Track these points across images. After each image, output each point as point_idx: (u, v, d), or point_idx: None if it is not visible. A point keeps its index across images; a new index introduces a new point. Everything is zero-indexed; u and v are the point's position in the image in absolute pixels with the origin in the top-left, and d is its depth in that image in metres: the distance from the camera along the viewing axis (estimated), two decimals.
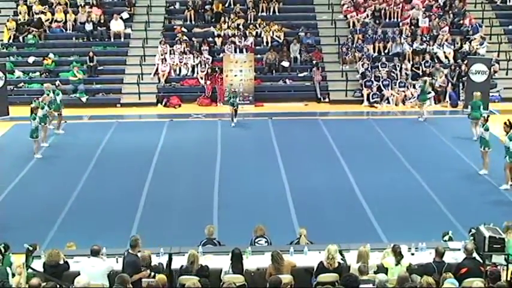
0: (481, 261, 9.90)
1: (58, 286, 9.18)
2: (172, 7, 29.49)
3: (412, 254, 10.54)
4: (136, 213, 14.54)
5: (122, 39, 27.84)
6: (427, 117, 22.49)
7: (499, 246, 9.93)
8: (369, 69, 25.57)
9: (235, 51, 26.52)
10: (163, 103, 25.00)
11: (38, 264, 10.18)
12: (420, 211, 14.54)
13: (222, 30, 27.58)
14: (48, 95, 20.94)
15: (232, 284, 8.85)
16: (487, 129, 16.55)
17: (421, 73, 24.79)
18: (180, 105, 24.91)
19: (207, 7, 28.59)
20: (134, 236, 10.17)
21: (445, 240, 11.25)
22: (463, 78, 24.63)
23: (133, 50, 27.35)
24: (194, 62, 26.26)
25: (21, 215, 14.54)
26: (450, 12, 28.44)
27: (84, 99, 24.85)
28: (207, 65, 26.08)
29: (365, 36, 27.21)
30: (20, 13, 28.09)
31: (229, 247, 10.39)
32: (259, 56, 26.74)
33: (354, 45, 26.83)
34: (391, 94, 24.77)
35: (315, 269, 9.92)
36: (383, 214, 14.31)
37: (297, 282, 9.93)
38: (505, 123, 15.97)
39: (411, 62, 26.09)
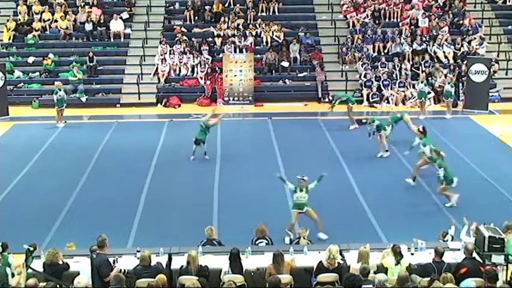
0: (480, 261, 9.91)
1: (58, 286, 9.19)
2: (172, 7, 29.48)
3: (412, 254, 10.56)
4: (136, 213, 14.53)
5: (122, 39, 27.83)
6: (427, 117, 22.52)
7: (498, 246, 9.93)
8: (369, 69, 25.59)
9: (235, 51, 26.51)
10: (163, 103, 24.99)
11: (37, 264, 10.18)
12: (420, 211, 14.54)
13: (222, 30, 27.57)
14: None
15: (232, 283, 8.85)
16: (424, 145, 15.99)
17: (421, 73, 24.76)
18: (179, 105, 24.91)
19: (206, 7, 28.60)
20: (101, 236, 9.99)
21: (446, 240, 11.26)
22: (463, 78, 24.65)
23: (133, 50, 27.34)
24: (194, 62, 26.26)
25: (21, 215, 14.54)
26: (450, 12, 28.45)
27: (83, 99, 24.83)
28: (206, 65, 26.08)
29: (365, 36, 27.21)
30: (20, 13, 28.08)
31: (229, 247, 10.37)
32: (258, 56, 26.73)
33: (354, 45, 26.83)
34: (391, 94, 24.77)
35: (314, 269, 9.94)
36: (383, 214, 14.30)
37: (297, 282, 9.94)
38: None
39: (411, 62, 26.08)
